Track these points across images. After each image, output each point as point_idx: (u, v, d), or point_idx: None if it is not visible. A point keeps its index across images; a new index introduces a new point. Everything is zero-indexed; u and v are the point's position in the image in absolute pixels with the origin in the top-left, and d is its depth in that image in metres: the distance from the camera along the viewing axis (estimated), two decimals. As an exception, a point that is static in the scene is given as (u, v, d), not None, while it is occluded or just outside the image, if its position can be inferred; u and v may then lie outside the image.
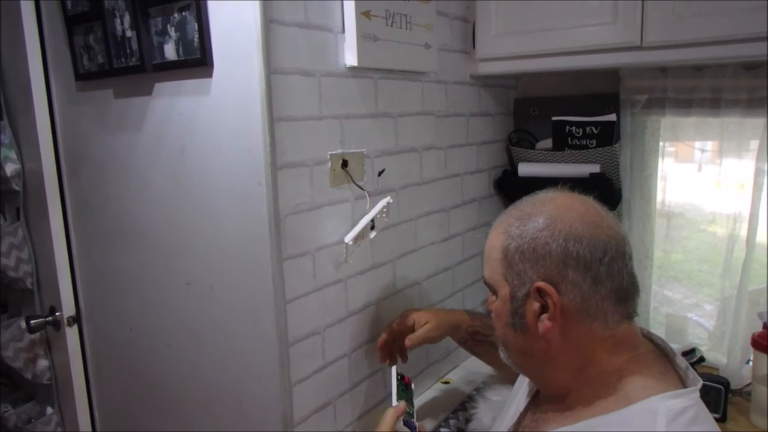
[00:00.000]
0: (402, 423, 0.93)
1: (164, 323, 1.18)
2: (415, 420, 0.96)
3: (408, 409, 0.96)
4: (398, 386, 1.06)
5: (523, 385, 0.88)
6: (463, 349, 1.21)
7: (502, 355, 0.81)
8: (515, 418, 0.84)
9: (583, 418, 0.69)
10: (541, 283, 0.68)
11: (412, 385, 1.05)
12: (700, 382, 0.69)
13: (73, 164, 1.30)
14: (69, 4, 1.18)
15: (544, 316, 0.69)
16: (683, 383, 0.70)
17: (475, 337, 1.14)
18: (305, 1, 0.99)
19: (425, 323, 1.10)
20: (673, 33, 1.16)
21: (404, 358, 1.16)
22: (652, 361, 0.71)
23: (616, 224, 0.71)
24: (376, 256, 1.21)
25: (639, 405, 0.65)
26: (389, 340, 1.13)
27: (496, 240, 0.74)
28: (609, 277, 0.67)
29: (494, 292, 0.76)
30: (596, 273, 0.67)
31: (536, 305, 0.70)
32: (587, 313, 0.68)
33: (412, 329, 1.11)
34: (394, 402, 0.96)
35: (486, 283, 0.78)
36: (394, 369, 1.03)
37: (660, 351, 0.74)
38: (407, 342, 1.09)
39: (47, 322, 1.35)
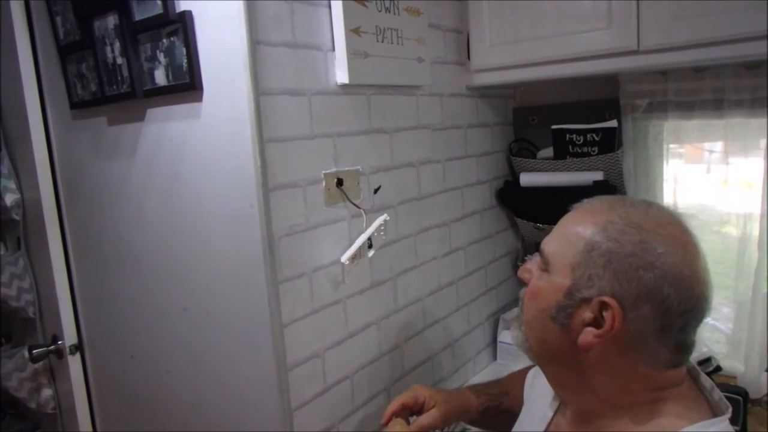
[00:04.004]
0: None
1: (164, 349, 1.17)
2: None
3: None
4: None
5: (539, 385, 0.84)
6: (472, 426, 1.13)
7: (516, 333, 0.74)
8: (544, 425, 0.80)
9: None
10: (611, 300, 0.62)
11: None
12: (730, 408, 0.66)
13: (71, 192, 1.30)
14: (61, 34, 1.19)
15: (591, 329, 0.64)
16: (710, 407, 0.67)
17: (487, 413, 1.06)
18: (292, 20, 0.98)
19: (432, 406, 1.01)
20: (670, 35, 1.14)
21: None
22: (686, 386, 0.68)
23: (710, 281, 0.65)
24: (375, 275, 1.19)
25: None
26: (396, 413, 1.03)
27: (585, 226, 0.66)
28: (679, 332, 0.63)
29: (545, 269, 0.69)
30: (670, 322, 0.62)
31: (589, 314, 0.64)
32: (638, 351, 0.63)
33: (422, 406, 1.02)
34: None
35: (542, 253, 0.70)
36: None
37: (687, 371, 0.71)
38: (413, 427, 1.00)
39: (50, 351, 1.34)
